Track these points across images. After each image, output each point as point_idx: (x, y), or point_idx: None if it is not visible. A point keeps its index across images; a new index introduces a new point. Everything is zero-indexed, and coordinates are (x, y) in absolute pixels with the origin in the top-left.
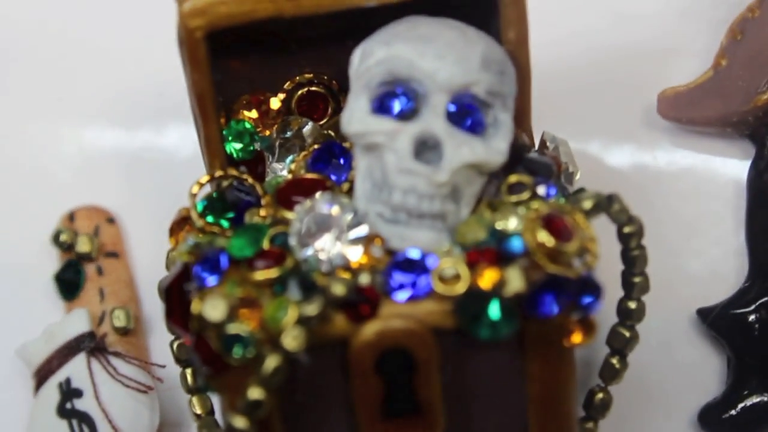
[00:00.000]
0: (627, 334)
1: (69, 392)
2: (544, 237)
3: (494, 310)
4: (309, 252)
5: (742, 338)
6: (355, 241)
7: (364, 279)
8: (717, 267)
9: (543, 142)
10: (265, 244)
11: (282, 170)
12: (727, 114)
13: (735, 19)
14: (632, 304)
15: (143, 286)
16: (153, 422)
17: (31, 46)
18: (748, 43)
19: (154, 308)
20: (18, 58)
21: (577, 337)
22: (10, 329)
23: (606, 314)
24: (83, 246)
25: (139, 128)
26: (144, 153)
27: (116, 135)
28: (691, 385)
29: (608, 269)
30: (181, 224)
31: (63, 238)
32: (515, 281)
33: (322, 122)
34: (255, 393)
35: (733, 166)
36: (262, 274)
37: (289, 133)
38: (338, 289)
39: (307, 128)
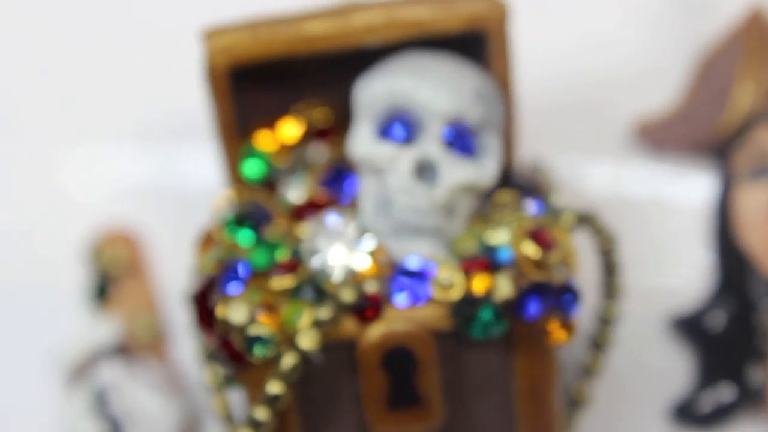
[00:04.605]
0: (604, 334)
1: (98, 397)
2: (531, 248)
3: (486, 313)
4: (321, 263)
5: (708, 344)
6: (362, 253)
7: (371, 286)
8: (686, 283)
9: (526, 164)
10: (282, 257)
11: (294, 189)
12: (696, 139)
13: (707, 50)
14: (610, 306)
15: (166, 302)
16: (176, 427)
17: (61, 72)
18: (717, 73)
19: (175, 323)
20: (48, 84)
21: (559, 336)
22: (40, 342)
23: (583, 320)
24: (109, 266)
25: (165, 153)
26: (166, 177)
27: (143, 159)
28: (662, 384)
29: (585, 278)
30: (205, 241)
31: (90, 257)
32: (505, 287)
33: (331, 144)
34: (274, 387)
35: (702, 188)
36: (279, 283)
37: (301, 155)
38: (347, 296)
39: (318, 150)
